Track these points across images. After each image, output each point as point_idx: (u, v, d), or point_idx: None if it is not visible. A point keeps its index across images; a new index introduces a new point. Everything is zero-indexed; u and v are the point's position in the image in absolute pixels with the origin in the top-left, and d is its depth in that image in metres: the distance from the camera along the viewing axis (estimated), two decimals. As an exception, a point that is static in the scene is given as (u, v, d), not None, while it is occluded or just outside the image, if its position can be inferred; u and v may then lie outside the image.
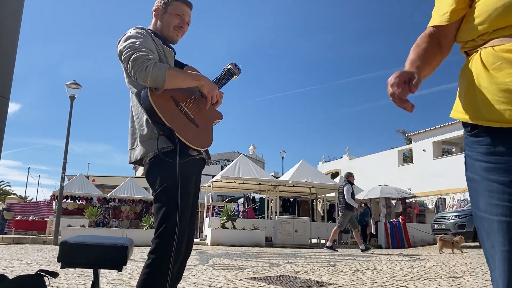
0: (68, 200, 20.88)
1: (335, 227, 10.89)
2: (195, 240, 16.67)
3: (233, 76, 2.29)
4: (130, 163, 2.07)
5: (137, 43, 1.92)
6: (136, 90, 1.99)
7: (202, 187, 17.89)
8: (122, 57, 1.93)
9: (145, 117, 1.95)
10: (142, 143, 1.97)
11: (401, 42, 68.53)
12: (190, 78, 1.98)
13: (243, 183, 16.79)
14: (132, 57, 1.85)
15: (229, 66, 2.28)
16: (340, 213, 10.91)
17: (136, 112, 2.02)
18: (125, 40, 1.97)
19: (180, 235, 1.86)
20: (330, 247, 10.62)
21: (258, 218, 17.57)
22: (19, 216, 18.10)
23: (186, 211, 1.92)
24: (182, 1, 2.18)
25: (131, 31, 2.02)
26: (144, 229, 13.15)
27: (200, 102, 2.04)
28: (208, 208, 17.69)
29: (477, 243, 12.14)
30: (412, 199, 20.13)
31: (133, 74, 1.86)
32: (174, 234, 1.83)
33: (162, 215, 1.86)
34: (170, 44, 2.18)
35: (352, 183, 10.78)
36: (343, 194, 10.53)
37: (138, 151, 1.98)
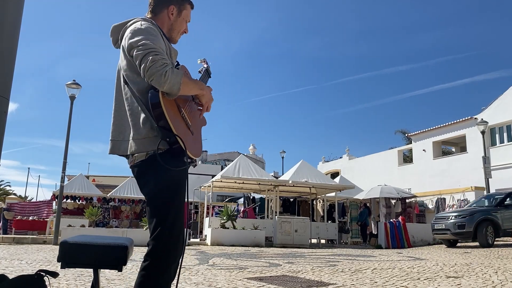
0: (68, 200, 20.90)
1: None
2: (195, 240, 16.49)
3: (210, 74, 2.31)
4: (110, 153, 1.99)
5: (151, 42, 1.85)
6: (138, 87, 1.92)
7: (202, 187, 17.91)
8: (134, 53, 1.84)
9: (142, 115, 1.88)
10: (135, 140, 1.89)
11: (401, 41, 68.61)
12: (197, 87, 1.97)
13: (243, 183, 16.80)
14: (150, 58, 1.78)
15: (206, 65, 2.31)
16: None
17: (130, 106, 1.95)
18: (136, 34, 1.89)
19: (177, 236, 1.86)
20: None
21: (258, 218, 17.56)
22: (19, 216, 18.11)
23: (181, 213, 1.92)
24: (191, 6, 2.21)
25: (142, 25, 1.95)
26: (144, 229, 13.15)
27: (192, 107, 2.04)
28: (208, 208, 17.69)
29: (477, 243, 12.12)
30: (412, 199, 20.12)
31: (148, 76, 1.78)
32: (171, 235, 1.83)
33: (158, 217, 1.85)
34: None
35: None
36: None
37: (127, 146, 1.92)
